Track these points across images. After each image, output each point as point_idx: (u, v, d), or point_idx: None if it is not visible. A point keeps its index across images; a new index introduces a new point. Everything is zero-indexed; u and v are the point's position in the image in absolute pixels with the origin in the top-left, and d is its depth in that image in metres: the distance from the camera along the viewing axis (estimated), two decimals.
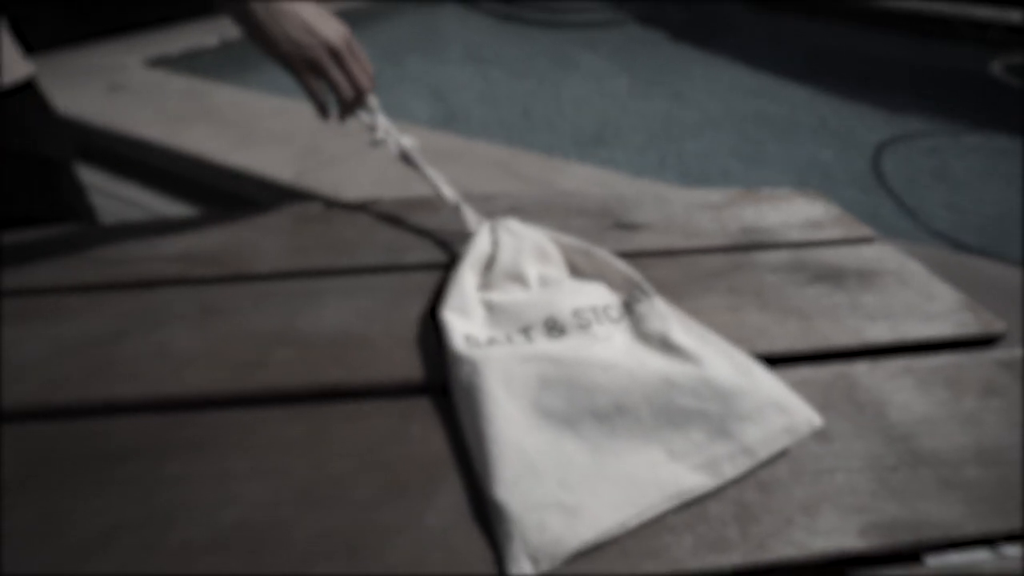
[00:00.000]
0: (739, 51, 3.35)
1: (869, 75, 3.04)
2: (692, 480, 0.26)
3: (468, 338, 0.33)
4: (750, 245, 0.47)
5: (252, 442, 0.29)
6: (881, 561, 0.25)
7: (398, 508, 0.26)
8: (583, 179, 1.65)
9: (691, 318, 0.35)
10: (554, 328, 0.33)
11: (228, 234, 0.48)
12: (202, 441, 0.29)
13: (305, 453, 0.28)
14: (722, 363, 0.30)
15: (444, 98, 2.80)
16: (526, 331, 0.34)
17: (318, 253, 0.46)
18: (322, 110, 0.49)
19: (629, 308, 0.35)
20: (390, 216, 0.51)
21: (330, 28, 0.45)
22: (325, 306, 0.39)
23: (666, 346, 0.32)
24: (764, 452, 0.27)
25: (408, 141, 0.50)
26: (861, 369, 0.34)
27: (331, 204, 0.53)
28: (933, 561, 0.25)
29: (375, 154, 0.51)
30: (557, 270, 0.39)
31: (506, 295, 0.37)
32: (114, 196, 1.83)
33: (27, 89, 0.54)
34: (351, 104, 0.48)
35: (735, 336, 0.35)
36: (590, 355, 0.30)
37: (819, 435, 0.30)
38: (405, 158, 0.49)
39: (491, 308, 0.36)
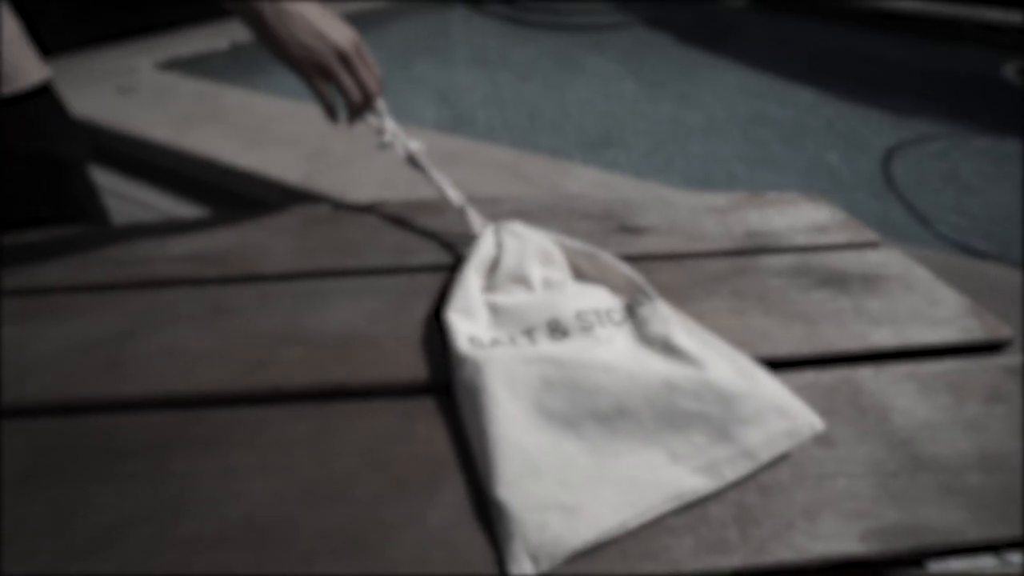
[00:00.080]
0: (746, 54, 3.34)
1: (877, 78, 3.02)
2: (692, 482, 0.26)
3: (472, 339, 0.33)
4: (755, 249, 0.47)
5: (258, 440, 0.30)
6: (882, 566, 0.25)
7: (401, 506, 0.26)
8: (589, 182, 1.65)
9: (694, 321, 0.35)
10: (557, 330, 0.34)
11: (236, 235, 0.49)
12: (209, 438, 0.30)
13: (310, 451, 0.29)
14: (724, 366, 0.31)
15: (451, 100, 2.81)
16: (529, 333, 0.34)
17: (325, 254, 0.46)
18: (331, 113, 0.49)
19: (632, 311, 0.35)
20: (396, 218, 0.51)
21: (339, 32, 0.46)
22: (331, 307, 0.39)
23: (668, 349, 0.32)
24: (765, 455, 0.28)
25: (415, 144, 0.50)
26: (865, 374, 0.34)
27: (338, 206, 0.53)
28: (936, 567, 0.25)
29: (383, 156, 0.52)
30: (561, 273, 0.39)
31: (510, 297, 0.37)
32: (125, 197, 1.85)
33: (44, 92, 0.55)
34: (359, 107, 0.49)
35: (738, 340, 0.35)
36: (592, 357, 0.31)
37: (821, 439, 0.30)
38: (412, 161, 0.50)
39: (495, 310, 0.36)
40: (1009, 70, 2.96)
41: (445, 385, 0.33)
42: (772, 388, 0.30)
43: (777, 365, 0.34)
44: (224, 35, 3.11)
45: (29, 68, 0.53)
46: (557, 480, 0.26)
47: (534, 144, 2.21)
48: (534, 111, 2.68)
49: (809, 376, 0.34)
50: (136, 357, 0.35)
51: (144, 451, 0.29)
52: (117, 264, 0.45)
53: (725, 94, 2.86)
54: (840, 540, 0.25)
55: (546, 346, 0.33)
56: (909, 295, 0.41)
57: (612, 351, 0.32)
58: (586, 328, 0.34)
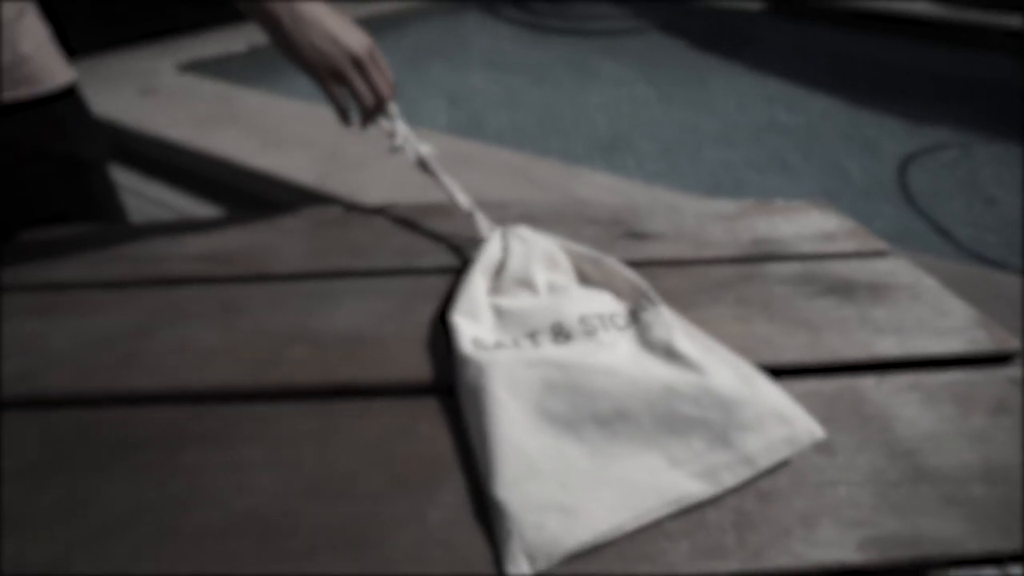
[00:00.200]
0: (761, 59, 3.32)
1: (894, 85, 2.99)
2: (690, 487, 0.26)
3: (476, 341, 0.34)
4: (761, 256, 0.47)
5: (266, 435, 0.30)
6: (880, 575, 0.25)
7: (402, 503, 0.27)
8: (599, 186, 1.65)
9: (697, 328, 0.35)
10: (560, 334, 0.34)
11: (249, 235, 0.50)
12: (219, 433, 0.30)
13: (316, 447, 0.30)
14: (725, 372, 0.31)
15: (465, 104, 2.83)
16: (533, 336, 0.34)
17: (335, 255, 0.47)
18: (343, 116, 0.50)
19: (635, 316, 0.36)
20: (406, 220, 0.52)
21: (353, 38, 0.47)
22: (339, 307, 0.40)
23: (670, 354, 0.32)
24: (764, 462, 0.28)
25: (426, 148, 0.51)
26: (868, 383, 0.34)
27: (349, 208, 0.54)
28: None
29: (395, 159, 0.52)
30: (566, 277, 0.40)
31: (515, 300, 0.37)
32: (144, 196, 1.88)
33: (68, 94, 0.56)
34: (372, 111, 0.50)
35: (742, 347, 0.35)
36: (594, 361, 0.31)
37: (822, 447, 0.30)
38: (422, 165, 0.51)
39: (500, 313, 0.37)
40: None
41: (449, 386, 0.33)
42: (773, 395, 0.30)
43: (780, 372, 0.34)
44: (242, 38, 3.16)
45: (55, 70, 0.55)
46: (556, 482, 0.26)
47: (546, 148, 2.21)
48: (547, 115, 2.69)
49: (811, 384, 0.34)
50: (150, 353, 0.36)
51: (155, 444, 0.30)
52: (133, 262, 0.46)
53: (739, 99, 2.84)
54: (838, 548, 0.25)
55: (549, 349, 0.33)
56: (916, 305, 0.41)
57: (615, 355, 0.32)
58: (589, 332, 0.34)
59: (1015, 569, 0.26)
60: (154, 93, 2.48)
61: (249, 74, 2.75)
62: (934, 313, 0.40)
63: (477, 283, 0.38)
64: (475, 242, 0.44)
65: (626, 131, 2.53)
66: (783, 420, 0.29)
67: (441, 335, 0.37)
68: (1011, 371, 0.36)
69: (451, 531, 0.26)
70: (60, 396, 0.33)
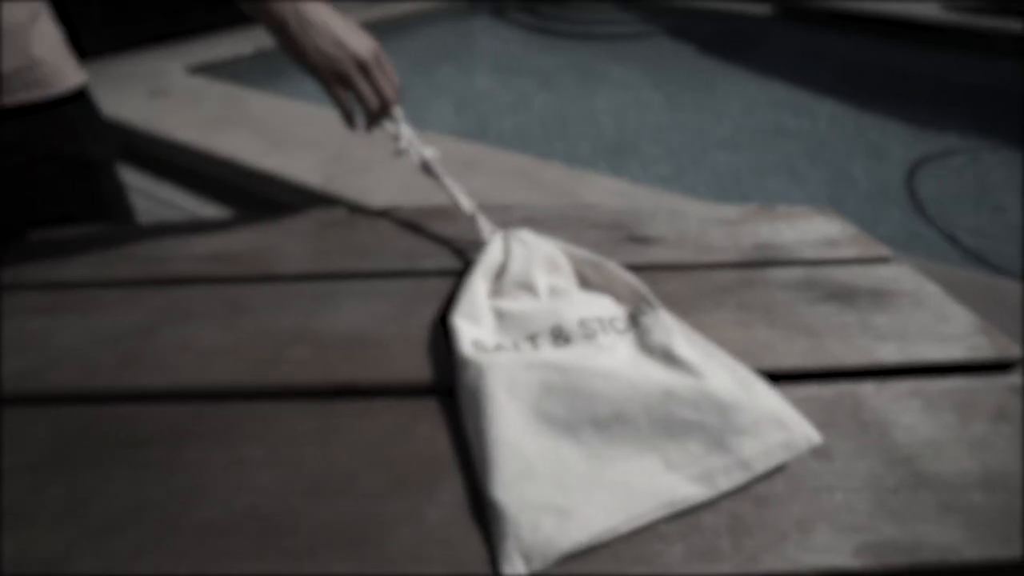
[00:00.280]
0: (768, 64, 3.31)
1: (902, 90, 2.97)
2: (686, 490, 0.26)
3: (476, 343, 0.34)
4: (762, 262, 0.47)
5: (267, 434, 0.31)
6: None
7: (400, 503, 0.27)
8: (605, 190, 1.65)
9: (696, 332, 0.35)
10: (560, 337, 0.34)
11: (255, 236, 0.50)
12: (221, 431, 0.31)
13: (316, 447, 0.30)
14: (723, 377, 0.31)
15: (472, 108, 2.84)
16: (533, 339, 0.34)
17: (338, 257, 0.47)
18: (349, 119, 0.51)
19: (635, 320, 0.36)
20: (409, 223, 0.52)
21: (359, 42, 0.48)
22: (342, 308, 0.41)
23: (669, 358, 0.32)
24: (760, 466, 0.28)
25: (430, 152, 0.51)
26: (868, 389, 0.34)
27: (354, 210, 0.55)
28: None
29: (401, 162, 0.53)
30: (566, 281, 0.40)
31: (515, 303, 0.38)
32: (153, 196, 1.90)
33: (80, 96, 0.57)
34: (377, 114, 0.50)
35: (742, 351, 0.35)
36: (593, 364, 0.31)
37: (820, 453, 0.30)
38: (425, 168, 0.51)
39: (500, 315, 0.37)
40: None
41: (449, 387, 0.33)
42: (770, 400, 0.30)
43: (779, 378, 0.34)
44: (251, 40, 3.19)
45: (67, 73, 0.56)
46: (553, 483, 0.26)
47: (553, 152, 2.22)
48: (554, 119, 2.69)
49: (811, 389, 0.34)
50: (154, 351, 0.36)
51: (159, 441, 0.30)
52: (140, 262, 0.47)
53: (747, 104, 2.84)
54: (833, 553, 0.25)
55: (549, 352, 0.33)
56: (918, 311, 0.41)
57: (613, 359, 0.32)
58: (589, 336, 0.34)
59: None
60: (164, 95, 2.51)
61: (258, 76, 2.78)
62: (936, 320, 0.40)
63: (478, 286, 0.38)
64: (477, 245, 0.45)
65: (633, 135, 2.54)
66: (780, 425, 0.29)
67: (442, 337, 0.37)
68: (1012, 379, 0.35)
69: (449, 531, 0.26)
70: (65, 393, 0.34)
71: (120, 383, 0.34)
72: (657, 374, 0.31)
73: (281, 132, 2.06)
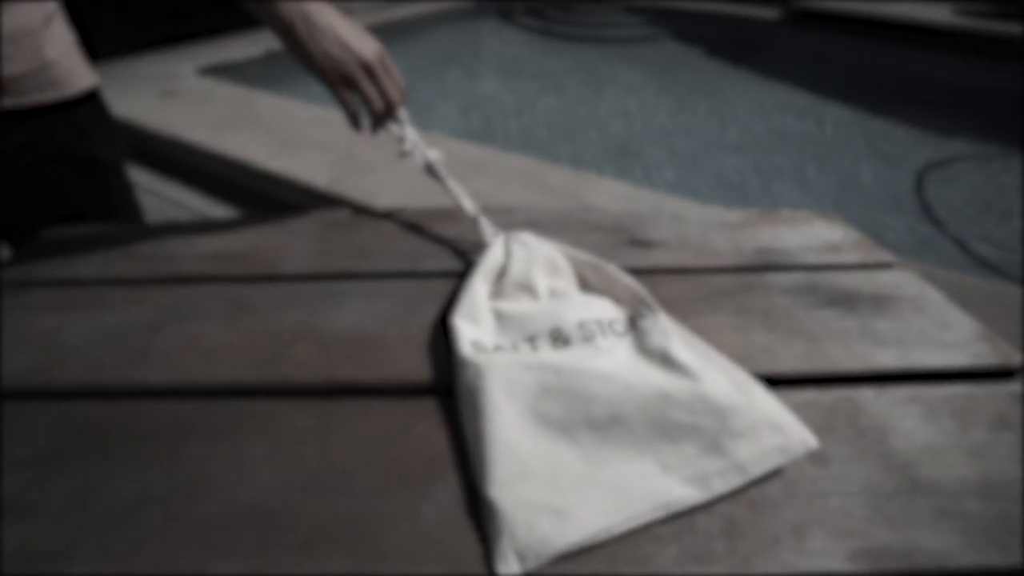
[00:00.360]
0: (776, 68, 3.30)
1: (910, 94, 2.96)
2: (681, 492, 0.27)
3: (475, 344, 0.34)
4: (763, 266, 0.47)
5: (268, 431, 0.31)
6: None
7: (397, 500, 0.27)
8: (609, 193, 1.65)
9: (695, 335, 0.36)
10: (559, 339, 0.35)
11: (260, 236, 0.51)
12: (223, 427, 0.31)
13: (316, 444, 0.30)
14: (720, 380, 0.31)
15: (478, 111, 2.85)
16: (532, 340, 0.35)
17: (342, 257, 0.48)
18: (354, 121, 0.51)
19: (634, 323, 0.36)
20: (412, 225, 0.53)
21: (365, 45, 0.48)
22: (344, 308, 0.41)
23: (666, 361, 0.32)
24: (756, 470, 0.28)
25: (434, 154, 0.52)
26: (866, 394, 0.34)
27: (358, 211, 0.55)
28: None
29: (406, 164, 0.53)
30: (566, 283, 0.40)
31: (515, 305, 0.38)
32: (162, 196, 1.92)
33: (91, 98, 0.58)
34: (382, 117, 0.51)
35: (740, 355, 0.35)
36: (591, 366, 0.31)
37: (817, 458, 0.30)
38: (429, 170, 0.52)
39: (500, 317, 0.37)
40: None
41: (447, 387, 0.34)
42: (767, 404, 0.30)
43: (777, 382, 0.34)
44: (261, 43, 3.22)
45: (79, 75, 0.57)
46: (548, 483, 0.27)
47: (558, 155, 2.22)
48: (560, 122, 2.70)
49: (809, 394, 0.34)
50: (160, 348, 0.37)
51: (163, 436, 0.31)
52: (147, 261, 0.47)
53: (754, 108, 2.83)
54: (827, 558, 0.25)
55: (547, 354, 0.34)
56: (919, 317, 0.41)
57: (611, 361, 0.33)
58: (587, 338, 0.34)
59: None
60: (174, 96, 2.53)
61: (267, 78, 2.80)
62: (937, 326, 0.40)
63: (479, 287, 0.39)
64: (479, 247, 0.45)
65: (639, 139, 2.54)
66: (777, 429, 0.29)
67: (442, 337, 0.38)
68: (1013, 386, 0.35)
69: (444, 529, 0.26)
70: (72, 388, 0.34)
71: (126, 379, 0.35)
72: (654, 377, 0.31)
73: (288, 133, 2.07)
